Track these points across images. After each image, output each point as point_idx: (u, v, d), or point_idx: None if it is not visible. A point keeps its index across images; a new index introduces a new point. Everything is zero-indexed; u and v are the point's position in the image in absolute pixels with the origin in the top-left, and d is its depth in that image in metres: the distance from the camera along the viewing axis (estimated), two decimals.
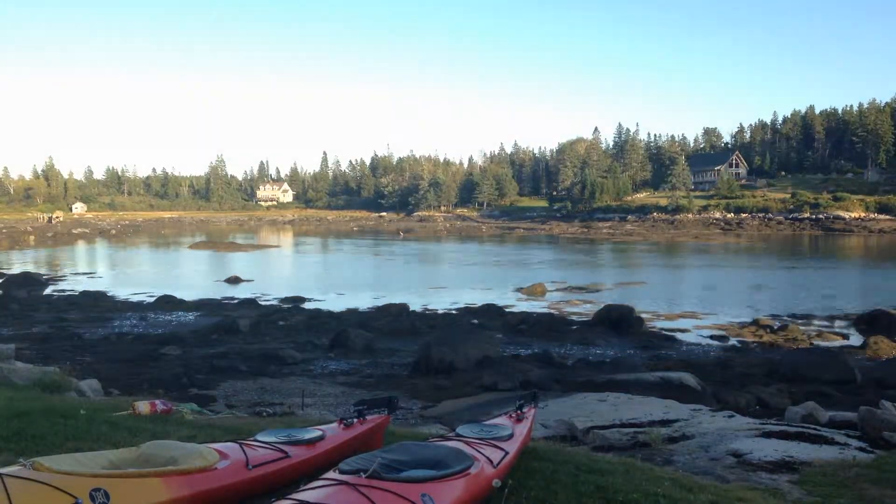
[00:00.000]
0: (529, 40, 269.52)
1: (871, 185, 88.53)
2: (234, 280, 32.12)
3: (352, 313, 21.81)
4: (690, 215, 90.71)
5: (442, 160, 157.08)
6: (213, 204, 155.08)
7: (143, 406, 5.82)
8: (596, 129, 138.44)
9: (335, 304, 24.47)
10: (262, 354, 15.13)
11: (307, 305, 23.96)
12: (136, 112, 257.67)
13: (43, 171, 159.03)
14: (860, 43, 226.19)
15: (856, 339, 16.89)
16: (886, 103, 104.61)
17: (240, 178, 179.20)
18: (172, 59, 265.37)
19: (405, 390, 11.72)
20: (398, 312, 21.23)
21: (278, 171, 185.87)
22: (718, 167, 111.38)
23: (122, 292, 27.13)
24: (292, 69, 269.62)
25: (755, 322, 18.86)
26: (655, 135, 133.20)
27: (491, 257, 46.63)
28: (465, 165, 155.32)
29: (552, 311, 21.87)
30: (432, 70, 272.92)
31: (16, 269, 36.78)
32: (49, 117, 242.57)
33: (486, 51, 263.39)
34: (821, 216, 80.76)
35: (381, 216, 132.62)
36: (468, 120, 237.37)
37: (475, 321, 20.14)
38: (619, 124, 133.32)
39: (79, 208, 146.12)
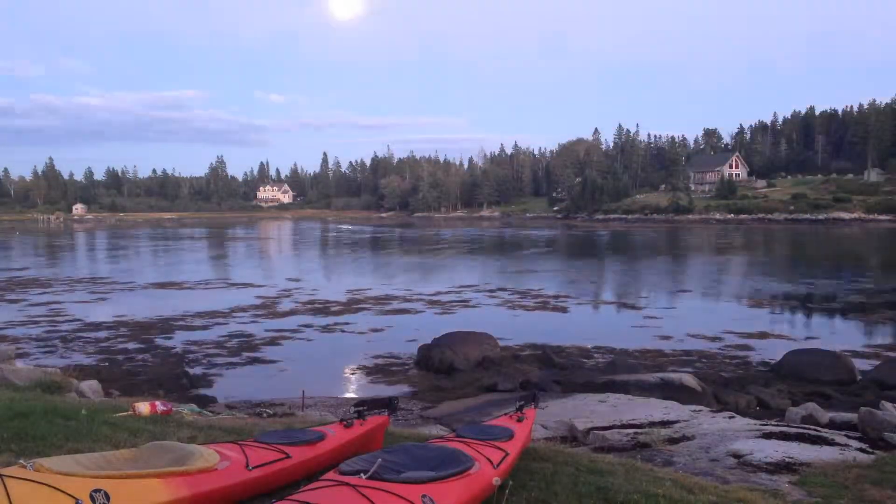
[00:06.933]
0: (529, 40, 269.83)
1: (872, 186, 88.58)
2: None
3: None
4: (691, 216, 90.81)
5: (442, 161, 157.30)
6: (214, 205, 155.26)
7: (143, 407, 5.83)
8: (596, 129, 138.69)
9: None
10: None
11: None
12: (137, 112, 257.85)
13: (43, 171, 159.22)
14: (860, 43, 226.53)
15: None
16: (886, 104, 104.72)
17: (240, 178, 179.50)
18: (173, 59, 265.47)
19: (405, 391, 11.73)
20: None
21: (278, 172, 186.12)
22: (719, 168, 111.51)
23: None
24: (293, 69, 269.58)
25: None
26: (656, 136, 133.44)
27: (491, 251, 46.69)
28: (466, 166, 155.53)
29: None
30: (432, 69, 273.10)
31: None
32: (50, 117, 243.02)
33: (487, 51, 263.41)
34: (821, 217, 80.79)
35: (381, 216, 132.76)
36: (469, 120, 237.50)
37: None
38: (620, 125, 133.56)
39: (79, 209, 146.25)
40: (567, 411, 8.51)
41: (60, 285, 28.75)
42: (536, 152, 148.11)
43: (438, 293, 25.03)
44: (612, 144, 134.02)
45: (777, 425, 7.03)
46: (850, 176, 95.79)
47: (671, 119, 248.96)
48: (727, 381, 12.12)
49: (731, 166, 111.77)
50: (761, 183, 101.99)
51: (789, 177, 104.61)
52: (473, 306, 22.32)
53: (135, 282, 29.88)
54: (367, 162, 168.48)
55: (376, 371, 13.76)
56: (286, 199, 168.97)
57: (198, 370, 13.59)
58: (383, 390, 11.99)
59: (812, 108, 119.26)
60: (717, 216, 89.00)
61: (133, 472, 2.90)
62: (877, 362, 13.59)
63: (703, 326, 18.35)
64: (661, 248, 52.96)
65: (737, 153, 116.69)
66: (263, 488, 3.34)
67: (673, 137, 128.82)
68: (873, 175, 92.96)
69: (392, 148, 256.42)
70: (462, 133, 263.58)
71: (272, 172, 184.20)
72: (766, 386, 11.64)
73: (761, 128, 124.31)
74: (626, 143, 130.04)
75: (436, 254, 47.69)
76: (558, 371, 13.07)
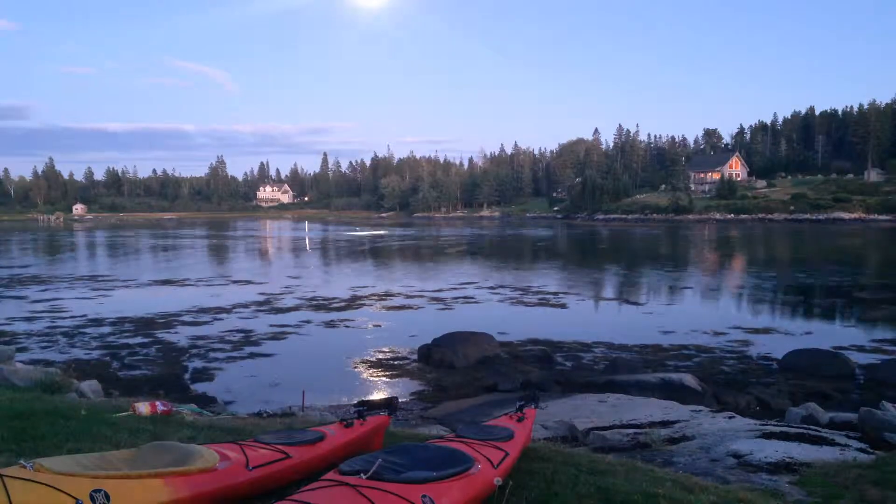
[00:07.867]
0: (529, 41, 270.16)
1: (872, 186, 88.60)
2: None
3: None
4: (691, 216, 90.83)
5: (442, 161, 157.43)
6: (213, 205, 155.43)
7: (144, 407, 5.83)
8: (596, 129, 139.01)
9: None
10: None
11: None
12: (137, 112, 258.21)
13: (43, 171, 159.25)
14: (860, 43, 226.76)
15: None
16: (886, 104, 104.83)
17: (240, 179, 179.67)
18: (171, 59, 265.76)
19: (405, 391, 11.74)
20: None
21: (279, 173, 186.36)
22: (719, 168, 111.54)
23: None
24: (294, 69, 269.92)
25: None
26: (656, 136, 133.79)
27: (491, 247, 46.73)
28: (466, 166, 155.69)
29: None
30: (434, 70, 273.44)
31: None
32: (52, 117, 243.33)
33: (487, 51, 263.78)
34: (821, 217, 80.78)
35: (381, 217, 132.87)
36: (469, 120, 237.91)
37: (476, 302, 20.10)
38: (620, 125, 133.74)
39: (79, 209, 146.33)
40: (567, 411, 8.52)
41: (61, 282, 28.75)
42: (536, 152, 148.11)
43: (440, 290, 25.06)
44: (612, 144, 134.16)
45: (777, 425, 7.03)
46: (850, 176, 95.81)
47: (671, 119, 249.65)
48: (727, 381, 12.13)
49: (731, 166, 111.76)
50: (761, 183, 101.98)
51: (789, 177, 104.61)
52: (475, 303, 22.33)
53: (136, 279, 29.90)
54: (367, 162, 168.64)
55: (377, 370, 13.76)
56: (286, 199, 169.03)
57: (198, 368, 13.60)
58: (383, 389, 12.00)
59: (812, 108, 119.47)
60: (717, 216, 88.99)
61: (133, 472, 2.90)
62: (877, 361, 13.60)
63: (704, 323, 18.35)
64: (662, 246, 52.99)
65: (737, 153, 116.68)
66: (263, 488, 3.34)
67: (673, 137, 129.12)
68: (873, 175, 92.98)
69: (392, 148, 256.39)
70: (462, 133, 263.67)
71: (272, 172, 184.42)
72: (767, 386, 11.65)
73: (761, 128, 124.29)
74: (626, 143, 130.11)
75: (437, 252, 47.69)
76: (559, 371, 13.07)
